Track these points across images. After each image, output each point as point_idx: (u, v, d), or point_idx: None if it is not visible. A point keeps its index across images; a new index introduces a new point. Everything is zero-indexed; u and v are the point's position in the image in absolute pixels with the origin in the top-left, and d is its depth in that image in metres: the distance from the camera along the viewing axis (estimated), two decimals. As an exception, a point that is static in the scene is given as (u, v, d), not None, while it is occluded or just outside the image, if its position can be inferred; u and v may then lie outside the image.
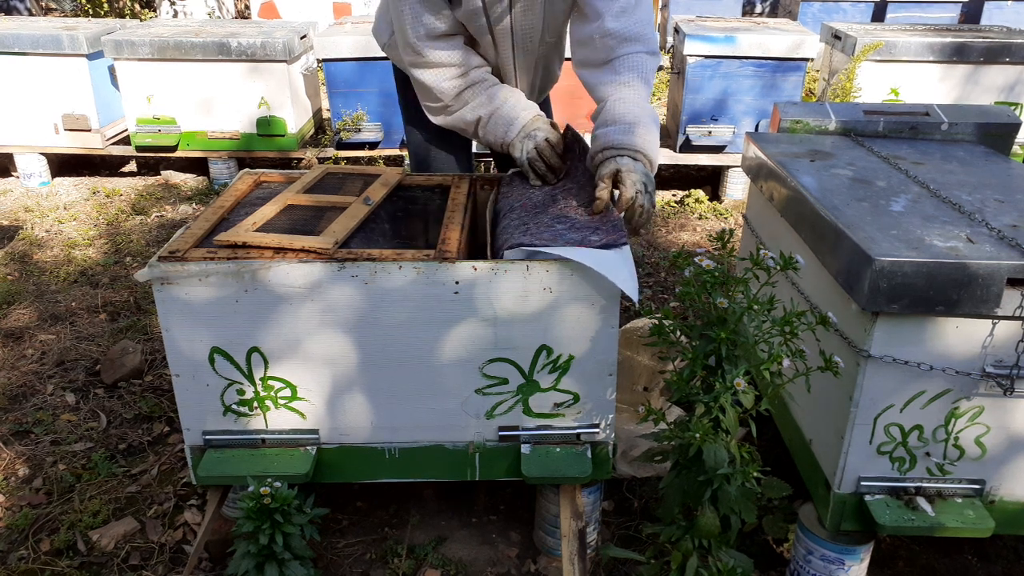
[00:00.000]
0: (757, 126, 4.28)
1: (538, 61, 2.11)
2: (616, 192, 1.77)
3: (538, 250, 1.61)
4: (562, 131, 2.04)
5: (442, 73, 1.97)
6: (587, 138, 1.94)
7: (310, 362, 1.71)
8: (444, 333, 1.68)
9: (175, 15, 7.57)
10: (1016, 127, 2.29)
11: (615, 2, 1.84)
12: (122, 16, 7.48)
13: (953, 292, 1.49)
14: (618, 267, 1.60)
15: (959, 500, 1.68)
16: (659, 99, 6.09)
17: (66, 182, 4.62)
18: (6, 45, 4.15)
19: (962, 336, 1.55)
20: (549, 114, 2.41)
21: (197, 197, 4.41)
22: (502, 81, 2.10)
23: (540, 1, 1.92)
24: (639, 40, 1.86)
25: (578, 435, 1.80)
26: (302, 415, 1.77)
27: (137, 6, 7.64)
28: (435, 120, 2.10)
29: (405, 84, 2.25)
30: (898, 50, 4.12)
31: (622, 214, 1.74)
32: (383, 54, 2.25)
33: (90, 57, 4.20)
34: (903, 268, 1.47)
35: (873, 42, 4.09)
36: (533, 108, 2.00)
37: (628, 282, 1.59)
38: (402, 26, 1.94)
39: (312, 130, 4.72)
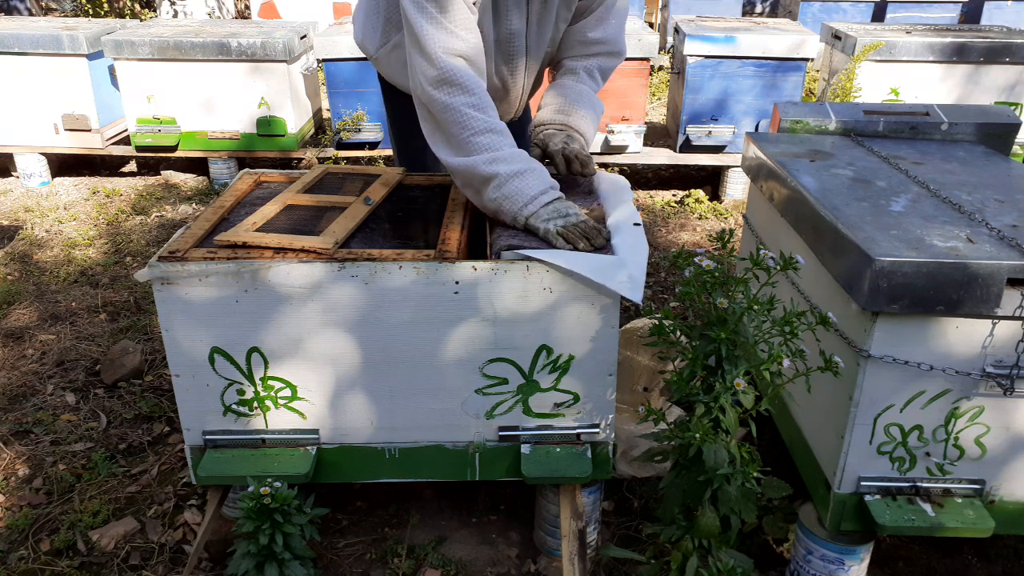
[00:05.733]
0: (757, 126, 4.28)
1: (538, 71, 2.15)
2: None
3: (531, 254, 1.62)
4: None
5: (464, 100, 1.74)
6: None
7: (310, 362, 1.71)
8: (444, 333, 1.68)
9: (175, 15, 7.57)
10: (1016, 127, 2.29)
11: (596, 13, 2.03)
12: (122, 16, 7.48)
13: (953, 292, 1.49)
14: (613, 270, 1.60)
15: (959, 500, 1.68)
16: (659, 99, 6.10)
17: (66, 182, 4.62)
18: (6, 45, 4.15)
19: (962, 336, 1.55)
20: (528, 120, 2.41)
21: (197, 197, 4.41)
22: (509, 98, 2.12)
23: (552, 22, 1.98)
24: (605, 43, 2.07)
25: (578, 435, 1.80)
26: (302, 415, 1.77)
27: (137, 6, 7.64)
28: (441, 155, 1.82)
29: (392, 96, 2.23)
30: (898, 50, 4.12)
31: (566, 168, 1.95)
32: None
33: (90, 57, 4.20)
34: (903, 268, 1.47)
35: (873, 42, 4.09)
36: (557, 187, 1.80)
37: (626, 284, 1.59)
38: (419, 39, 1.74)
39: (312, 130, 4.72)
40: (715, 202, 4.35)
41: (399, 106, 2.20)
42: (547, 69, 2.22)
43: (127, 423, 2.45)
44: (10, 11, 8.21)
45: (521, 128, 2.34)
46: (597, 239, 1.70)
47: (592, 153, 2.20)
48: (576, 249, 1.67)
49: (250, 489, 1.61)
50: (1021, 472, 1.67)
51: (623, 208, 1.88)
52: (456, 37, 1.74)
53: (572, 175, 1.95)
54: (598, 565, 1.92)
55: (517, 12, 1.90)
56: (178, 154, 4.45)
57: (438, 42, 1.72)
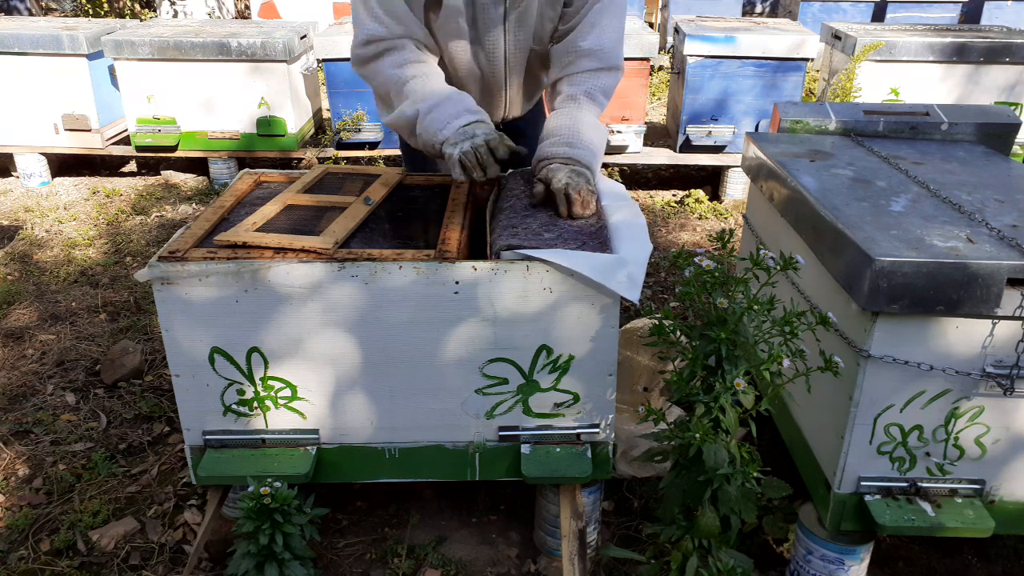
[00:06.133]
0: (757, 126, 4.28)
1: (526, 69, 2.11)
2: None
3: (530, 254, 1.62)
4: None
5: (382, 65, 1.90)
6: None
7: (310, 362, 1.71)
8: (444, 333, 1.68)
9: (175, 15, 7.57)
10: (1016, 127, 2.29)
11: (586, 19, 1.93)
12: (122, 16, 7.48)
13: (953, 292, 1.49)
14: (612, 270, 1.60)
15: (959, 500, 1.68)
16: (659, 99, 6.10)
17: (66, 182, 4.62)
18: (6, 45, 4.15)
19: (962, 336, 1.55)
20: (542, 120, 2.40)
21: (197, 197, 4.41)
22: (492, 89, 2.11)
23: (535, 9, 1.95)
24: (599, 56, 1.95)
25: (578, 435, 1.80)
26: (302, 415, 1.77)
27: (137, 6, 7.64)
28: (384, 120, 2.02)
29: None
30: (898, 50, 4.12)
31: (567, 209, 1.80)
32: None
33: (90, 57, 4.20)
34: (903, 268, 1.47)
35: (873, 42, 4.09)
36: (479, 113, 1.88)
37: (624, 284, 1.59)
38: (357, 19, 1.90)
39: (312, 130, 4.72)
40: (715, 202, 4.35)
41: None
42: (545, 80, 2.21)
43: (127, 423, 2.45)
44: (10, 11, 8.21)
45: (531, 129, 2.33)
46: (491, 168, 1.78)
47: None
48: (471, 179, 1.79)
49: (250, 489, 1.61)
50: (1021, 472, 1.67)
51: (626, 206, 1.87)
52: (379, 23, 1.86)
53: (572, 217, 1.80)
54: (598, 565, 1.92)
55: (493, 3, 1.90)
56: (178, 154, 4.45)
57: (362, 27, 1.89)
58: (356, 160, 4.53)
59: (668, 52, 6.46)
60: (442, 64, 2.07)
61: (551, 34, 2.02)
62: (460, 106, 1.85)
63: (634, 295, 1.58)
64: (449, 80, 2.11)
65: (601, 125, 1.98)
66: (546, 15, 1.97)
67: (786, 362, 1.38)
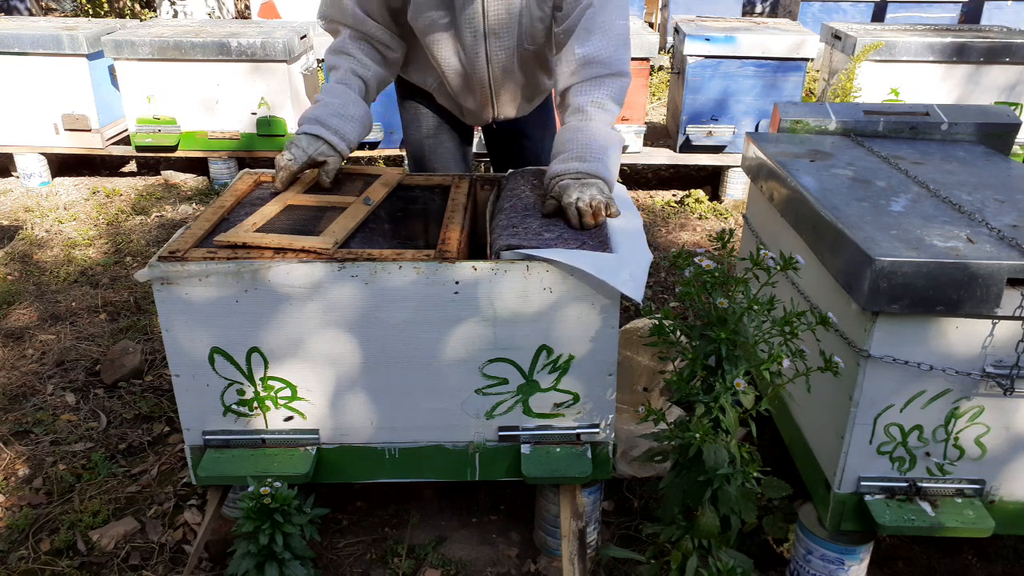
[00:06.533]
0: (757, 126, 4.28)
1: (518, 68, 2.08)
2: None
3: (531, 253, 1.62)
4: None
5: (331, 43, 2.06)
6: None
7: (310, 362, 1.71)
8: (444, 333, 1.68)
9: (175, 15, 7.56)
10: (1016, 127, 2.29)
11: (581, 25, 1.87)
12: (122, 16, 7.48)
13: (953, 292, 1.49)
14: (615, 268, 1.60)
15: (959, 500, 1.68)
16: (659, 99, 6.10)
17: (66, 182, 4.62)
18: (6, 45, 4.15)
19: (962, 336, 1.55)
20: (552, 125, 2.39)
21: (197, 197, 4.41)
22: (475, 87, 2.10)
23: (519, 9, 1.93)
24: (602, 63, 1.88)
25: (578, 435, 1.80)
26: (302, 415, 1.77)
27: (137, 6, 7.64)
28: None
29: (402, 87, 2.29)
30: (898, 50, 4.12)
31: (578, 221, 1.75)
32: None
33: (90, 57, 4.20)
34: (903, 268, 1.47)
35: (873, 42, 4.09)
36: (319, 127, 1.94)
37: (628, 283, 1.59)
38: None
39: (312, 130, 4.70)
40: (715, 202, 4.35)
41: (407, 96, 2.29)
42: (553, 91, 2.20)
43: (127, 423, 2.45)
44: (10, 11, 8.21)
45: (533, 130, 2.33)
46: (276, 181, 1.96)
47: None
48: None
49: (250, 489, 1.61)
50: (1021, 472, 1.67)
51: (628, 214, 1.87)
52: (326, 6, 2.01)
53: (585, 227, 1.75)
54: (598, 565, 1.92)
55: None
56: (178, 154, 4.45)
57: (321, 3, 2.05)
58: (356, 160, 4.53)
59: (668, 52, 6.47)
60: (422, 56, 2.09)
61: (545, 35, 2.01)
62: (315, 112, 1.95)
63: (638, 294, 1.58)
64: (436, 77, 2.13)
65: (614, 131, 1.91)
66: (534, 15, 1.95)
67: (786, 362, 1.38)
